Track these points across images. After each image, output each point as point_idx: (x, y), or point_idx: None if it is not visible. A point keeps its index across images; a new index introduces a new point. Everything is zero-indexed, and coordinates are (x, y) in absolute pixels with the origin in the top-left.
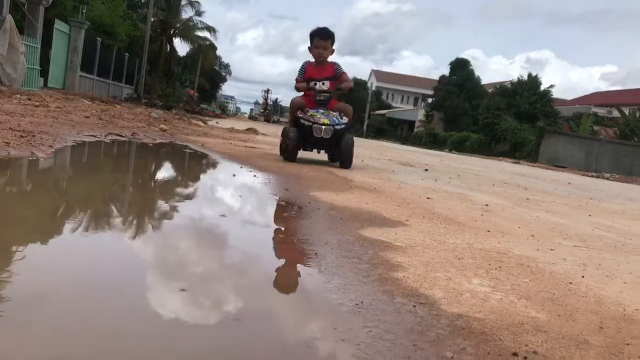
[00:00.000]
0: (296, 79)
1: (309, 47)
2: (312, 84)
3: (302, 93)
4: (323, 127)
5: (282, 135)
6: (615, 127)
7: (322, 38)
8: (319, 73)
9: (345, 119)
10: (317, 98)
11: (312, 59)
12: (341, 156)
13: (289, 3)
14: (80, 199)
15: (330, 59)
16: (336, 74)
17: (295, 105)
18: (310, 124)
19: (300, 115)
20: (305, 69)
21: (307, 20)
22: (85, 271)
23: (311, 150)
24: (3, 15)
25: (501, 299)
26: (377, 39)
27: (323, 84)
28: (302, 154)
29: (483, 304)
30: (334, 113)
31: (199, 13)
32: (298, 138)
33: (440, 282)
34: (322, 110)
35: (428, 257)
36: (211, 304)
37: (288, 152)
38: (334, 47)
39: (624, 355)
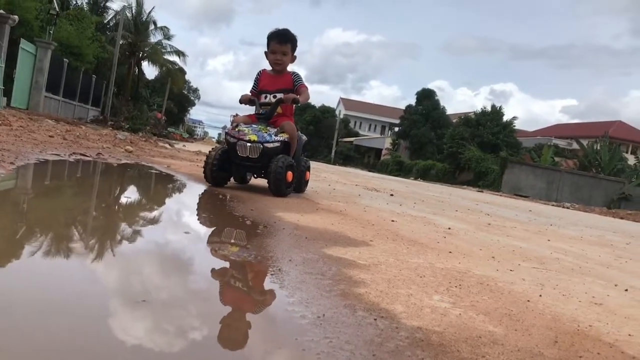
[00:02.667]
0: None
1: (265, 52)
2: (262, 96)
3: (252, 109)
4: (248, 144)
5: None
6: (575, 158)
7: (279, 42)
8: (272, 84)
9: (282, 137)
10: (256, 112)
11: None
12: (269, 180)
13: (260, 30)
14: (40, 217)
15: (291, 68)
16: (294, 87)
17: (234, 124)
18: (235, 140)
19: (227, 131)
20: (258, 79)
21: None
22: (39, 294)
23: (241, 176)
24: None
25: (460, 314)
26: (346, 68)
27: (274, 97)
28: None
29: (442, 318)
30: (271, 129)
31: (168, 37)
32: (221, 157)
33: (401, 297)
34: (256, 125)
35: (390, 275)
36: (172, 322)
37: (206, 173)
38: (295, 54)
39: None
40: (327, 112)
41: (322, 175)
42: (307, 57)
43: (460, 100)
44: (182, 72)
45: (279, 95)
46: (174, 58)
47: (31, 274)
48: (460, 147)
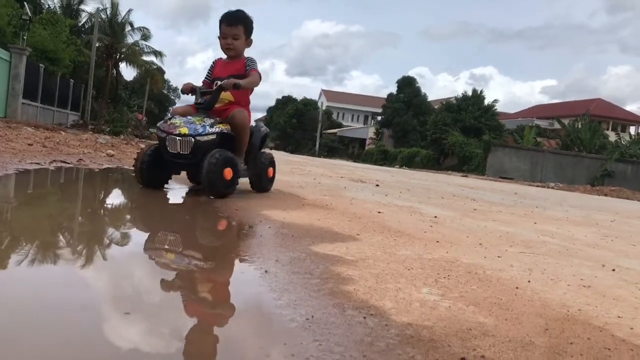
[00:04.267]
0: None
1: (218, 37)
2: (214, 85)
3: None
4: (178, 138)
5: None
6: (557, 138)
7: (229, 24)
8: (225, 70)
9: (219, 128)
10: (196, 101)
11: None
12: (202, 179)
13: None
14: (21, 229)
15: (249, 53)
16: (246, 72)
17: (173, 113)
18: (165, 135)
19: (158, 125)
20: (212, 67)
21: (257, 41)
22: (20, 304)
23: (173, 173)
24: None
25: (450, 306)
26: (326, 59)
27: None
28: None
29: (432, 312)
30: (208, 120)
31: (145, 37)
32: (152, 155)
33: (390, 292)
34: (191, 117)
35: (378, 269)
36: (158, 327)
37: (137, 174)
38: (251, 37)
39: (567, 354)
40: (309, 104)
41: (306, 169)
42: (287, 50)
43: (441, 86)
44: (161, 71)
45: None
46: (152, 58)
47: (14, 281)
48: (444, 133)
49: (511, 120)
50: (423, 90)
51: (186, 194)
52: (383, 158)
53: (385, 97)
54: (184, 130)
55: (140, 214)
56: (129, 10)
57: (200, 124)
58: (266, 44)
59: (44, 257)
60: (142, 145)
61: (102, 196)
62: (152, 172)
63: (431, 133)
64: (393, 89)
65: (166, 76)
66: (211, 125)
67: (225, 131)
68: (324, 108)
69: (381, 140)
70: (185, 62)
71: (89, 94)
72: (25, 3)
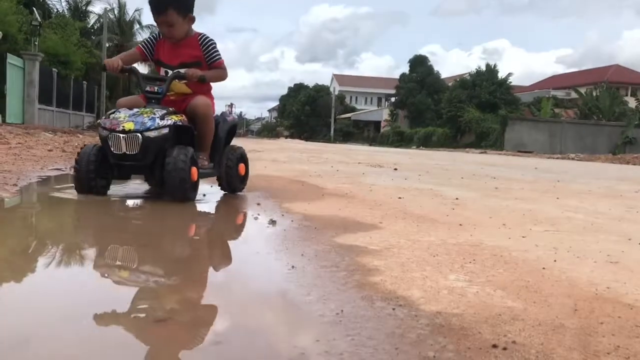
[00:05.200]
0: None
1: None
2: (162, 71)
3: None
4: (122, 135)
5: None
6: (575, 107)
7: (157, 12)
8: (172, 56)
9: (171, 120)
10: (145, 89)
11: None
12: (164, 184)
13: (246, 15)
14: (52, 238)
15: (198, 28)
16: (206, 57)
17: (118, 107)
18: (107, 133)
19: (99, 121)
20: (154, 44)
21: (266, 30)
22: (60, 311)
23: (121, 178)
24: None
25: (477, 292)
26: (336, 43)
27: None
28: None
29: (460, 299)
30: (158, 111)
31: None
32: (96, 159)
33: (417, 281)
34: (138, 110)
35: (404, 258)
36: (188, 326)
37: (76, 181)
38: (192, 14)
39: (598, 334)
40: (321, 90)
41: (323, 157)
42: (296, 37)
43: (454, 62)
44: None
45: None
46: None
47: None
48: (459, 110)
49: (527, 93)
50: (436, 68)
51: (207, 192)
52: (399, 139)
53: (398, 77)
54: (129, 126)
55: (161, 209)
56: (137, 10)
57: (148, 116)
58: (275, 32)
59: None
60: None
61: (129, 204)
62: (97, 178)
63: (446, 111)
64: (405, 69)
65: None
66: (162, 117)
67: (180, 123)
68: (336, 93)
69: (396, 122)
70: None
71: (102, 95)
72: (34, 9)
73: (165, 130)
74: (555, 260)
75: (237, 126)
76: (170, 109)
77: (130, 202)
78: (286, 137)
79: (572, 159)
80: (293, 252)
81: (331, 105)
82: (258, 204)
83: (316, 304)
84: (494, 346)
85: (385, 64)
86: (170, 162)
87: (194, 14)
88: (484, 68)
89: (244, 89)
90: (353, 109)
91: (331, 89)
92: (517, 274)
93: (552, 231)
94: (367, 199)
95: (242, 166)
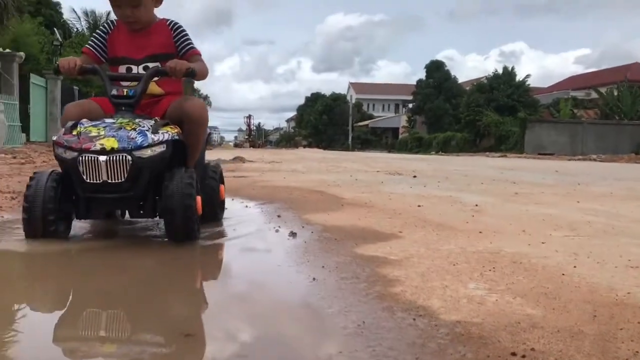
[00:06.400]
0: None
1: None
2: (121, 68)
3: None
4: (102, 158)
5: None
6: (595, 107)
7: None
8: (134, 48)
9: (168, 133)
10: (112, 94)
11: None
12: (167, 216)
13: (262, 28)
14: (90, 261)
15: (162, 13)
16: (178, 46)
17: (66, 120)
18: (75, 154)
19: (55, 139)
20: (109, 36)
21: (282, 43)
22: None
23: (95, 217)
24: None
25: (497, 300)
26: (352, 52)
27: (146, 68)
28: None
29: (480, 307)
30: (144, 121)
31: None
32: (51, 191)
33: (437, 291)
34: (113, 119)
35: (423, 267)
36: (213, 340)
37: (28, 223)
38: None
39: (617, 341)
40: (338, 99)
41: (342, 165)
42: (312, 47)
43: (471, 66)
44: (190, 82)
45: (153, 66)
46: None
47: None
48: (477, 114)
49: (546, 95)
50: (453, 72)
51: (229, 205)
52: (418, 145)
53: (415, 83)
54: (111, 144)
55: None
56: None
57: (134, 129)
58: (291, 43)
59: None
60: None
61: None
62: (57, 220)
63: (465, 115)
64: (422, 74)
65: (195, 85)
66: (154, 130)
67: (178, 137)
68: (353, 101)
69: (414, 128)
70: (214, 69)
71: None
72: (55, 29)
73: (162, 148)
74: (575, 266)
75: (210, 138)
76: (157, 118)
77: (108, 245)
78: (304, 146)
79: (594, 160)
80: (314, 264)
81: (348, 114)
82: (278, 216)
83: (338, 316)
84: (513, 354)
85: (401, 70)
86: (172, 189)
87: None
88: (501, 71)
89: (261, 100)
90: (370, 116)
91: (348, 97)
92: (536, 280)
93: (572, 236)
94: (387, 208)
95: (222, 188)
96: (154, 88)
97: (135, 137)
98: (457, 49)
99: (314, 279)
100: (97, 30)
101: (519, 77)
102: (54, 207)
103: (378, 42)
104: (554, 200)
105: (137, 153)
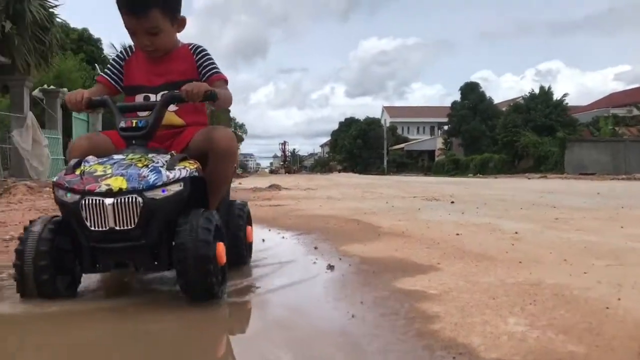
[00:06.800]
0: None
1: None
2: (138, 97)
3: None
4: (108, 201)
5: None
6: (638, 125)
7: (133, 13)
8: (152, 75)
9: (185, 169)
10: (120, 126)
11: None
12: (180, 270)
13: (296, 56)
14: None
15: (185, 38)
16: (201, 70)
17: (71, 157)
18: (78, 197)
19: (55, 180)
20: (123, 64)
21: (316, 69)
22: None
23: (102, 270)
24: (24, 114)
25: (538, 336)
26: (385, 76)
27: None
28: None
29: (521, 344)
30: (158, 156)
31: None
32: (46, 243)
33: (477, 327)
34: (122, 155)
35: (463, 302)
36: None
37: (22, 281)
38: (181, 15)
39: None
40: (372, 123)
41: (378, 191)
42: (345, 72)
43: (507, 87)
44: (227, 111)
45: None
46: None
47: None
48: (515, 135)
49: (585, 113)
50: (488, 93)
51: (266, 236)
52: (455, 168)
53: (450, 105)
54: (119, 183)
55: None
56: None
57: (146, 165)
58: (324, 69)
59: None
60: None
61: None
62: (57, 275)
63: (502, 137)
64: (457, 96)
65: (231, 114)
66: (170, 166)
67: (197, 173)
68: (387, 125)
69: (451, 150)
70: (249, 99)
71: None
72: (96, 65)
73: (179, 187)
74: (619, 299)
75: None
76: (174, 152)
77: (119, 305)
78: (339, 171)
79: (638, 179)
80: (352, 300)
81: (383, 137)
82: (315, 248)
83: (378, 355)
84: None
85: (435, 92)
86: (185, 236)
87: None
88: (537, 91)
89: (296, 126)
90: (405, 140)
91: (382, 121)
92: (579, 315)
93: (615, 265)
94: (424, 237)
95: (250, 230)
96: (173, 118)
97: (147, 176)
98: (491, 69)
99: (352, 315)
100: (114, 57)
101: (557, 96)
102: (47, 264)
103: (411, 65)
104: (596, 226)
105: (149, 194)
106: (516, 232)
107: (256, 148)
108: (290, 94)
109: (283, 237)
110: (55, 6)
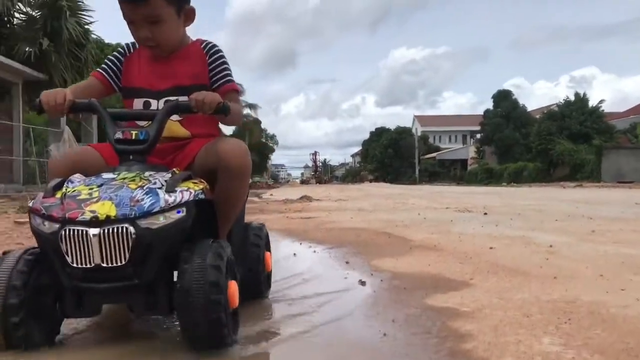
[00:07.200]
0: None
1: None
2: (136, 102)
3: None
4: (92, 231)
5: None
6: None
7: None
8: (156, 77)
9: (189, 191)
10: (116, 137)
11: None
12: (183, 317)
13: (326, 67)
14: None
15: (195, 33)
16: (212, 76)
17: (52, 177)
18: (57, 226)
19: (33, 206)
20: (121, 61)
21: (346, 79)
22: None
23: (84, 315)
24: (61, 128)
25: (573, 357)
26: (416, 85)
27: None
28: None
29: None
30: (156, 175)
31: (240, 93)
32: (19, 282)
33: (510, 347)
34: (111, 175)
35: (496, 320)
36: None
37: None
38: (190, 6)
39: None
40: (403, 132)
41: (409, 202)
42: (375, 82)
43: (540, 94)
44: (258, 122)
45: (182, 100)
46: (247, 111)
47: None
48: (549, 143)
49: (622, 120)
50: (521, 101)
51: (297, 250)
52: (488, 177)
53: (482, 113)
54: (106, 210)
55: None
56: None
57: (140, 187)
58: (354, 80)
59: None
60: (249, 198)
61: None
62: (30, 322)
63: (536, 145)
64: (489, 104)
65: (263, 125)
66: (170, 188)
67: (203, 196)
68: (418, 134)
69: (484, 159)
70: (280, 109)
71: None
72: None
73: (180, 214)
74: None
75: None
76: (176, 170)
77: (107, 356)
78: (370, 180)
79: None
80: (384, 317)
81: (414, 146)
82: (347, 262)
83: None
84: None
85: (467, 101)
86: (189, 277)
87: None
88: (572, 97)
89: (326, 136)
90: (437, 149)
91: (413, 130)
92: (616, 334)
93: None
94: (457, 251)
95: (268, 257)
96: (176, 129)
97: (142, 200)
98: (524, 76)
99: (384, 334)
100: (114, 52)
101: (592, 102)
102: (19, 305)
103: (442, 74)
104: (634, 238)
105: (144, 222)
106: (551, 245)
107: (287, 159)
108: (320, 105)
109: (314, 251)
110: (91, 23)
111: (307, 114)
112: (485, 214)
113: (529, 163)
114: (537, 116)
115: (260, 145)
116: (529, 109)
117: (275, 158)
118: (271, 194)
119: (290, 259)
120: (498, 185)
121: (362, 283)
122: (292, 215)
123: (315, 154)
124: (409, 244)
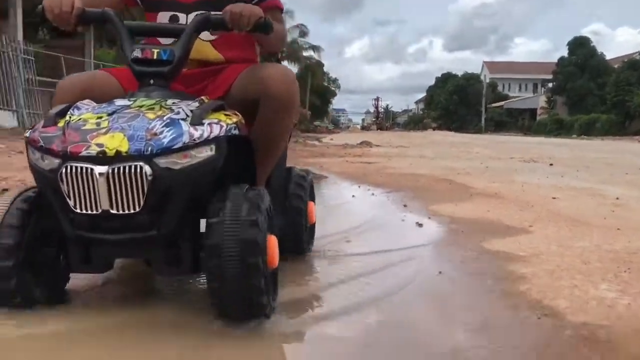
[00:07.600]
0: None
1: None
2: (162, 16)
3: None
4: (99, 169)
5: None
6: None
7: None
8: None
9: (218, 123)
10: (134, 57)
11: None
12: (212, 281)
13: (392, 7)
14: None
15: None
16: None
17: (58, 102)
18: (58, 162)
19: (28, 135)
20: None
21: (413, 21)
22: None
23: (97, 268)
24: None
25: (629, 304)
26: (487, 29)
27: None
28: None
29: (610, 311)
30: (182, 103)
31: (303, 34)
32: (12, 236)
33: (565, 291)
34: (129, 101)
35: (553, 265)
36: (342, 323)
37: None
38: None
39: None
40: (470, 79)
41: (473, 151)
42: (444, 26)
43: (621, 41)
44: (320, 65)
45: (214, 14)
46: (310, 53)
47: None
48: (627, 94)
49: None
50: (599, 49)
51: (356, 192)
52: (558, 128)
53: (556, 61)
54: (116, 143)
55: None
56: (286, 12)
57: (160, 117)
58: (422, 23)
59: None
60: (309, 141)
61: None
62: (29, 279)
63: (612, 96)
64: (564, 52)
65: (325, 68)
66: (196, 120)
67: (238, 131)
68: (487, 81)
69: (554, 109)
70: (344, 52)
71: None
72: None
73: (208, 152)
74: None
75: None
76: (205, 98)
77: (123, 322)
78: (434, 128)
79: None
80: (440, 258)
81: (481, 94)
82: (405, 206)
83: (462, 311)
84: None
85: (541, 48)
86: (219, 234)
87: None
88: None
89: (390, 80)
90: (506, 97)
91: (481, 77)
92: None
93: None
94: (518, 200)
95: (312, 207)
96: (207, 51)
97: (161, 133)
98: (605, 22)
99: (440, 272)
100: None
101: None
102: (15, 263)
103: (516, 19)
104: None
105: (163, 161)
106: (617, 198)
107: (349, 103)
108: (385, 48)
109: (373, 194)
110: None
111: (371, 57)
112: (552, 165)
113: (603, 115)
114: (616, 65)
115: (322, 88)
116: (608, 57)
117: (337, 102)
118: (331, 139)
119: (350, 200)
120: (568, 137)
121: (420, 225)
122: (351, 160)
123: (377, 99)
124: (470, 191)
